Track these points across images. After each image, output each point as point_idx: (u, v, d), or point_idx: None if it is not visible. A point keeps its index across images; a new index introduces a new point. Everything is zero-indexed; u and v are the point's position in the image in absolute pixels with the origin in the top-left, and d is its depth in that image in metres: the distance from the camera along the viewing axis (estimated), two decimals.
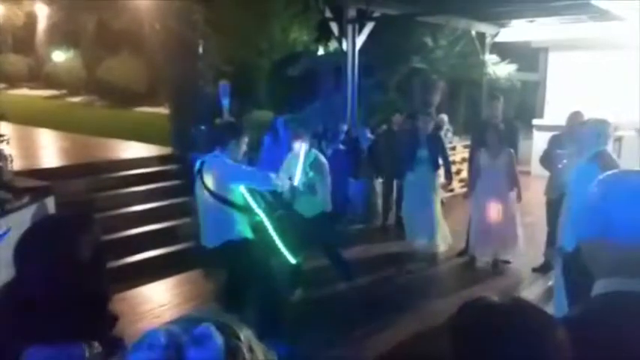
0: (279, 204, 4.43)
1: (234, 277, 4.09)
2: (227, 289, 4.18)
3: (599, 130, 3.68)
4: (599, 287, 1.22)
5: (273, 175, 3.99)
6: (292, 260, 4.43)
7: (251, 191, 3.92)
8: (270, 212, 4.05)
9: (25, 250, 1.35)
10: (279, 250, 4.25)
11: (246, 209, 3.88)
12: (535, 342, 0.86)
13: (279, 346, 3.98)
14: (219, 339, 0.63)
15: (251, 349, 0.66)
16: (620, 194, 1.19)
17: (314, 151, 4.98)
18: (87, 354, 1.29)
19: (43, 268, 1.32)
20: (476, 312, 0.93)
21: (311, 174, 4.67)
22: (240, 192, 3.84)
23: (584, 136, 3.76)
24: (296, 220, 4.50)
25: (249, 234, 3.92)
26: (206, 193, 3.80)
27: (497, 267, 5.93)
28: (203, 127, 7.31)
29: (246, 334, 0.68)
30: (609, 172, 1.28)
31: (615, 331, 1.07)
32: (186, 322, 0.67)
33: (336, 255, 5.21)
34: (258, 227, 4.04)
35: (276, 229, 4.11)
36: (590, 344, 1.00)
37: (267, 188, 3.97)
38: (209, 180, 3.79)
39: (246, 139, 4.02)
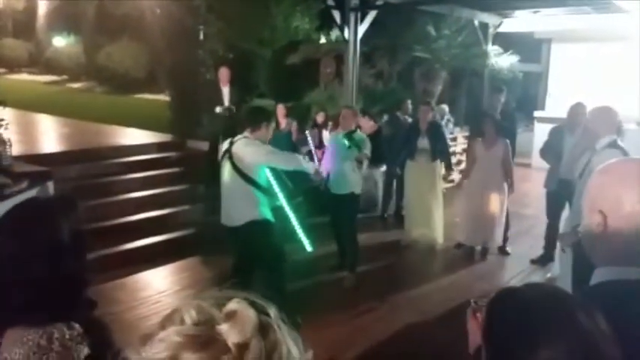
0: (301, 190, 4.67)
1: (246, 257, 4.17)
2: (235, 268, 4.25)
3: (612, 117, 3.58)
4: (598, 276, 1.22)
5: (300, 157, 4.20)
6: (309, 248, 4.51)
7: (275, 176, 4.06)
8: (290, 198, 4.23)
9: (2, 231, 1.35)
10: (296, 235, 4.39)
11: (269, 192, 4.02)
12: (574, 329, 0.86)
13: None
14: (252, 314, 0.62)
15: (279, 327, 0.66)
16: (620, 182, 1.18)
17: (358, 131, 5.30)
18: (67, 335, 1.29)
19: (21, 250, 1.31)
20: (505, 299, 0.93)
21: (356, 152, 4.92)
22: (265, 174, 3.97)
23: (596, 123, 3.56)
24: (324, 197, 4.92)
25: (270, 216, 4.04)
26: (233, 172, 3.92)
27: (486, 255, 6.01)
28: (220, 110, 7.28)
29: (274, 311, 0.67)
30: (612, 161, 1.28)
31: (611, 321, 1.07)
32: (217, 298, 0.65)
33: (353, 241, 5.24)
34: (278, 211, 4.21)
35: (295, 215, 4.28)
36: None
37: (295, 168, 4.09)
38: (237, 159, 3.90)
39: (273, 125, 4.20)
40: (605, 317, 1.06)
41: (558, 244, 4.56)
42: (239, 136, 4.02)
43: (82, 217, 1.49)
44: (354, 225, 5.28)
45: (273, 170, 4.06)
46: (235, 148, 3.94)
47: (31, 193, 4.95)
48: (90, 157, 6.97)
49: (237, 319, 0.61)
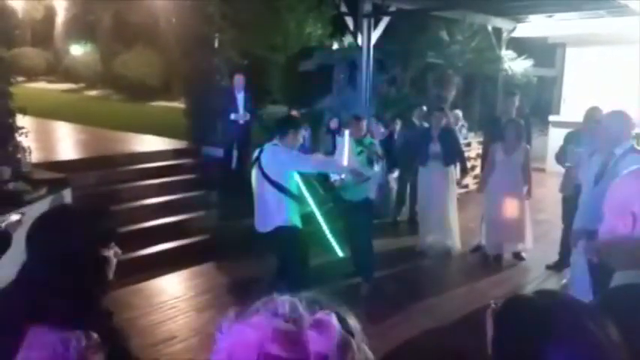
0: (329, 196, 4.84)
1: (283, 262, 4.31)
2: (279, 270, 4.38)
3: (630, 122, 3.49)
4: (617, 279, 1.22)
5: (332, 160, 4.34)
6: (340, 253, 4.55)
7: (306, 182, 4.17)
8: (321, 204, 4.31)
9: (34, 234, 1.39)
10: (327, 241, 4.45)
11: (299, 198, 4.12)
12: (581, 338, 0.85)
13: None
14: (338, 329, 0.63)
15: (359, 348, 0.66)
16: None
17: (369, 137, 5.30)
18: (83, 344, 1.30)
19: (49, 255, 1.35)
20: (521, 308, 0.92)
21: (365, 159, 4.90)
22: (296, 181, 4.08)
23: (614, 128, 3.47)
24: (344, 206, 4.93)
25: (298, 222, 4.13)
26: (263, 179, 4.02)
27: (501, 260, 5.97)
28: (234, 117, 7.38)
29: (357, 330, 0.68)
30: (634, 167, 1.29)
31: (629, 323, 1.08)
32: (309, 301, 0.67)
33: (369, 249, 5.20)
34: (308, 218, 4.31)
35: (326, 221, 4.35)
36: None
37: (325, 171, 4.25)
38: (266, 166, 4.01)
39: (303, 132, 4.32)
40: (626, 321, 1.07)
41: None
42: (268, 144, 4.14)
43: (112, 227, 1.52)
44: (369, 232, 5.25)
45: (304, 176, 4.17)
46: (264, 156, 4.06)
47: (49, 199, 5.05)
48: (106, 163, 7.08)
49: (324, 329, 0.62)
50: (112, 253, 1.46)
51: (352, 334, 0.65)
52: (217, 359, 0.63)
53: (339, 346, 0.62)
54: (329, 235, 4.41)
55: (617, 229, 1.22)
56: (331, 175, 4.80)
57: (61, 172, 6.00)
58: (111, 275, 1.47)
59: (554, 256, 5.74)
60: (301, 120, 7.02)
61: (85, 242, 1.40)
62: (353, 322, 0.68)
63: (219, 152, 7.78)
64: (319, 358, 0.60)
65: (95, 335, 1.34)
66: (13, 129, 5.89)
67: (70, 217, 1.49)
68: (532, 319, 0.88)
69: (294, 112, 7.61)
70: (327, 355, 0.61)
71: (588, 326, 0.86)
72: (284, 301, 0.65)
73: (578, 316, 0.88)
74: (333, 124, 7.79)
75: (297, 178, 4.08)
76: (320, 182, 4.45)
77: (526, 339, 0.86)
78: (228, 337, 0.63)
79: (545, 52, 12.34)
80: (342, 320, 0.65)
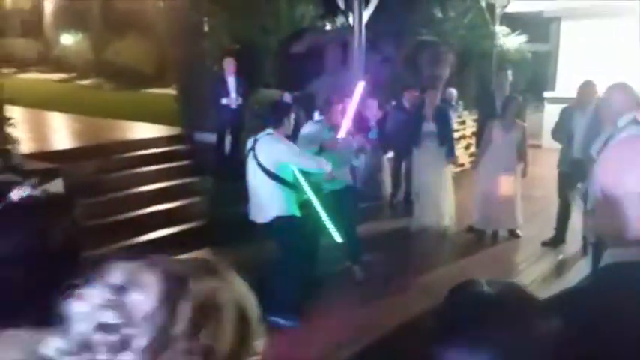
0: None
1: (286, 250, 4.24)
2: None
3: (632, 94, 3.42)
4: (606, 258, 1.19)
5: (321, 159, 4.18)
6: (339, 239, 4.49)
7: (301, 170, 4.12)
8: (317, 191, 4.24)
9: None
10: (325, 228, 4.39)
11: (295, 187, 4.08)
12: (519, 332, 0.83)
13: (287, 319, 4.03)
14: (158, 286, 0.67)
15: (196, 294, 0.68)
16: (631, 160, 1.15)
17: None
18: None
19: (12, 248, 1.30)
20: (463, 299, 0.91)
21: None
22: (291, 170, 4.04)
23: (616, 101, 3.38)
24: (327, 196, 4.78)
25: (296, 211, 4.11)
26: (258, 169, 3.98)
27: (497, 238, 6.00)
28: (226, 102, 7.30)
29: (203, 289, 0.69)
30: (624, 138, 1.25)
31: (614, 303, 1.05)
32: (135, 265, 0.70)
33: (354, 232, 5.17)
34: (306, 205, 4.26)
35: (324, 207, 4.28)
36: (591, 315, 1.00)
37: (313, 170, 4.14)
38: (262, 157, 3.97)
39: (292, 118, 4.24)
40: (611, 301, 1.04)
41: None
42: (262, 134, 4.09)
43: (80, 219, 1.47)
44: (354, 218, 5.22)
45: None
46: (259, 146, 4.01)
47: (39, 191, 5.00)
48: (100, 152, 7.04)
49: (144, 288, 0.67)
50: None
51: (181, 285, 0.68)
52: (65, 336, 0.69)
53: (162, 301, 0.66)
54: (327, 221, 4.33)
55: (608, 204, 1.18)
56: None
57: (54, 162, 5.94)
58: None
59: (549, 233, 5.73)
60: (293, 103, 6.97)
61: (54, 231, 1.35)
62: (200, 278, 0.71)
63: (212, 138, 7.71)
64: (146, 317, 0.65)
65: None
66: (1, 120, 5.83)
67: (35, 205, 1.44)
68: (473, 303, 0.88)
69: (287, 96, 7.54)
70: (152, 312, 0.65)
71: (524, 322, 0.85)
72: (114, 270, 0.69)
73: (519, 310, 0.87)
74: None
75: (293, 166, 4.04)
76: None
77: (463, 323, 0.86)
78: (69, 314, 0.69)
79: (539, 27, 12.22)
80: (169, 275, 0.68)
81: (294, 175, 4.08)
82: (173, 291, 0.67)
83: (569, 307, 1.05)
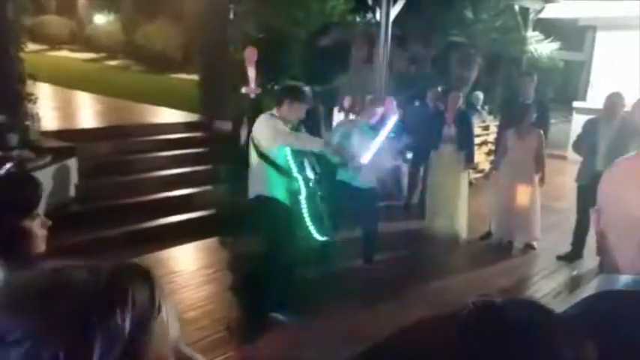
0: (332, 179, 4.69)
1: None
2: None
3: None
4: (601, 283, 1.10)
5: (321, 140, 4.12)
6: (318, 237, 4.31)
7: (296, 157, 3.95)
8: (308, 181, 4.04)
9: None
10: (303, 220, 4.18)
11: (285, 172, 3.93)
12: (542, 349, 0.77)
13: (285, 316, 3.97)
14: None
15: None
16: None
17: None
18: None
19: None
20: (483, 326, 0.83)
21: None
22: (285, 154, 3.89)
23: None
24: (345, 190, 4.78)
25: (281, 196, 3.93)
26: (252, 147, 3.94)
27: (512, 249, 5.84)
28: (245, 91, 7.23)
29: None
30: (624, 157, 1.15)
31: (600, 337, 0.96)
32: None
33: (373, 233, 5.17)
34: (295, 195, 4.02)
35: (309, 199, 4.05)
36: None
37: (312, 150, 3.99)
38: (255, 135, 3.94)
39: (304, 106, 3.99)
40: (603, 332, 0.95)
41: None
42: (265, 114, 4.03)
43: (32, 196, 1.43)
44: (376, 220, 5.20)
45: (297, 152, 3.95)
46: (256, 125, 3.97)
47: (53, 168, 5.03)
48: (117, 134, 7.06)
49: None
50: (38, 223, 1.38)
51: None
52: None
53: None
54: (306, 217, 4.09)
55: (607, 226, 1.08)
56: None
57: (72, 141, 5.99)
58: (40, 247, 1.39)
59: (566, 247, 5.56)
60: (313, 97, 6.88)
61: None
62: None
63: (229, 126, 7.69)
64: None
65: None
66: (22, 96, 5.87)
67: None
68: (500, 330, 0.81)
69: (306, 88, 7.44)
70: None
71: (560, 345, 0.78)
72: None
73: (549, 333, 0.79)
74: (347, 102, 7.63)
75: (287, 150, 3.89)
76: (318, 160, 4.21)
77: (492, 351, 0.79)
78: None
79: (573, 35, 11.89)
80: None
81: (286, 159, 3.91)
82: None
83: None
